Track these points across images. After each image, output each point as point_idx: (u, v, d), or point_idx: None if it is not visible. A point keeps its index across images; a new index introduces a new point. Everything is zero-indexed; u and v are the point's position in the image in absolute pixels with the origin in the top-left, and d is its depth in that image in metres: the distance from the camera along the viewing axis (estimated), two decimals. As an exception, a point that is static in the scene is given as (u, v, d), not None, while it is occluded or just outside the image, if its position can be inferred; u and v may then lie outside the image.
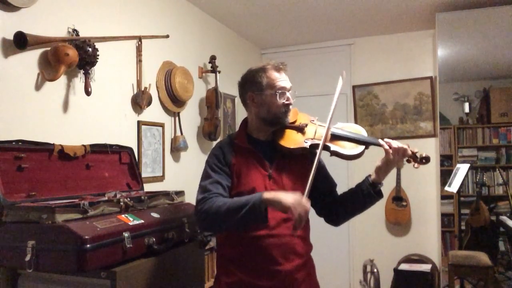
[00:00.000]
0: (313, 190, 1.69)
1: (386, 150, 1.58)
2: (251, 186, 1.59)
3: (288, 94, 1.65)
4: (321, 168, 1.75)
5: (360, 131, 1.69)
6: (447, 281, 3.23)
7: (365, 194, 1.62)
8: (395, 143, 1.58)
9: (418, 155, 1.60)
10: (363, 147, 1.63)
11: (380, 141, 1.62)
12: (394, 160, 1.57)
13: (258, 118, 1.68)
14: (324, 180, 1.75)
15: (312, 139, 1.65)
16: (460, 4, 3.30)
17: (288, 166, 1.66)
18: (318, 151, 1.58)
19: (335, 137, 1.65)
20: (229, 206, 1.48)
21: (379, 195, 1.64)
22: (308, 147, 1.63)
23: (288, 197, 1.42)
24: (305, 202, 1.42)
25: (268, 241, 1.57)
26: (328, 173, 1.79)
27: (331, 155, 1.65)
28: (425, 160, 1.60)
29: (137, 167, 2.36)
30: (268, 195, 1.46)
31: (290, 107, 1.67)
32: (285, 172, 1.64)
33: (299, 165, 1.66)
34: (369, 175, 1.64)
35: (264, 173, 1.63)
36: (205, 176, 1.63)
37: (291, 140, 1.66)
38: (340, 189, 1.77)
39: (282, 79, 1.65)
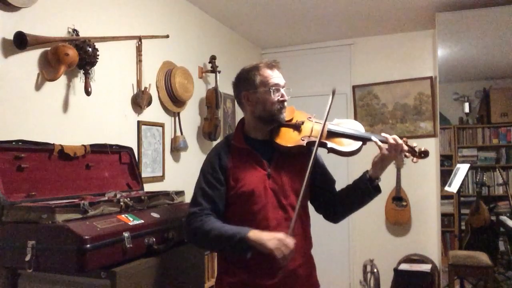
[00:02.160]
0: (311, 187, 1.70)
1: (379, 146, 1.58)
2: (250, 187, 1.59)
3: (282, 90, 1.65)
4: (319, 165, 1.75)
5: (357, 127, 1.68)
6: (447, 281, 3.23)
7: (363, 190, 1.62)
8: (390, 138, 1.57)
9: (416, 149, 1.59)
10: (360, 143, 1.63)
11: (373, 137, 1.61)
12: (390, 154, 1.56)
13: (254, 117, 1.68)
14: (322, 177, 1.75)
15: (308, 136, 1.65)
16: (460, 4, 3.30)
17: (287, 164, 1.66)
18: (315, 151, 1.58)
19: (332, 134, 1.65)
20: (216, 234, 1.53)
21: (377, 190, 1.63)
22: (305, 144, 1.63)
23: (272, 240, 1.45)
24: (289, 241, 1.45)
25: None
26: (327, 170, 1.79)
27: (328, 152, 1.65)
28: (424, 154, 1.59)
29: (137, 167, 2.36)
30: (253, 235, 1.48)
31: (285, 103, 1.67)
32: (283, 171, 1.64)
33: (297, 163, 1.66)
34: (367, 171, 1.64)
35: (263, 172, 1.63)
36: (199, 186, 1.65)
37: (288, 138, 1.66)
38: (340, 186, 1.77)
39: (275, 76, 1.65)
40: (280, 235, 1.46)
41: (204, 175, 1.65)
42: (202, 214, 1.57)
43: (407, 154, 1.60)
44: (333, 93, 1.64)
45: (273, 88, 1.63)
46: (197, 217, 1.56)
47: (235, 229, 1.52)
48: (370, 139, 1.62)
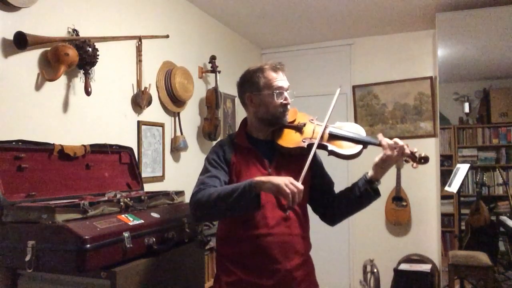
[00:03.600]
0: (309, 188, 1.70)
1: (382, 146, 1.58)
2: None
3: (285, 93, 1.66)
4: (318, 166, 1.76)
5: (359, 131, 1.69)
6: (447, 281, 3.23)
7: (361, 192, 1.61)
8: (392, 141, 1.57)
9: (417, 154, 1.59)
10: (360, 146, 1.63)
11: (378, 140, 1.61)
12: (391, 157, 1.55)
13: (257, 118, 1.68)
14: (321, 178, 1.75)
15: (310, 138, 1.65)
16: (460, 4, 3.30)
17: (287, 165, 1.66)
18: (314, 151, 1.58)
19: (333, 137, 1.65)
20: (220, 192, 1.48)
21: (376, 193, 1.62)
22: (306, 146, 1.63)
23: (280, 178, 1.42)
24: (298, 183, 1.41)
25: (268, 240, 1.57)
26: (325, 172, 1.79)
27: (329, 155, 1.65)
28: (424, 160, 1.59)
29: (137, 167, 2.36)
30: (258, 178, 1.45)
31: (288, 106, 1.68)
32: (284, 171, 1.64)
33: (298, 164, 1.65)
34: (367, 173, 1.64)
35: (264, 172, 1.63)
36: (204, 170, 1.64)
37: (289, 139, 1.67)
38: (340, 189, 1.76)
39: (279, 79, 1.65)
40: (289, 177, 1.43)
41: (209, 161, 1.64)
42: (206, 188, 1.54)
43: (407, 159, 1.60)
44: (339, 90, 1.66)
45: (277, 91, 1.63)
46: (199, 191, 1.53)
47: (237, 183, 1.50)
48: (371, 143, 1.62)
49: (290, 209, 1.44)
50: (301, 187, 1.40)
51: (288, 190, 1.37)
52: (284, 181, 1.39)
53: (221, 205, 1.47)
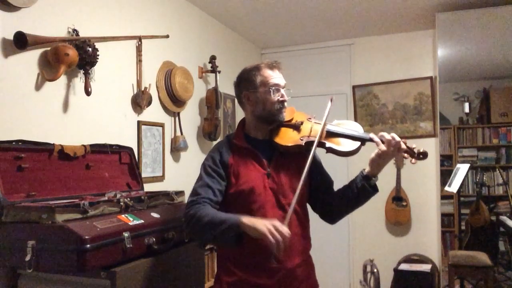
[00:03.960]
0: (309, 187, 1.70)
1: (376, 142, 1.58)
2: (250, 185, 1.60)
3: (282, 91, 1.67)
4: (317, 164, 1.76)
5: (357, 128, 1.69)
6: (447, 281, 3.23)
7: (359, 188, 1.61)
8: (388, 135, 1.57)
9: (415, 150, 1.59)
10: (358, 143, 1.63)
11: (371, 136, 1.61)
12: (388, 153, 1.56)
13: (254, 117, 1.69)
14: (320, 177, 1.75)
15: (308, 136, 1.66)
16: (460, 4, 3.30)
17: (286, 164, 1.66)
18: (314, 150, 1.59)
19: (331, 134, 1.66)
20: (209, 219, 1.49)
21: (374, 189, 1.62)
22: (303, 144, 1.64)
23: (265, 224, 1.39)
24: (284, 228, 1.38)
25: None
26: (324, 170, 1.79)
27: (326, 152, 1.66)
28: (423, 155, 1.59)
29: (137, 167, 2.36)
30: (246, 219, 1.44)
31: (285, 104, 1.68)
32: (283, 170, 1.65)
33: (296, 162, 1.66)
34: (364, 169, 1.64)
35: (263, 172, 1.63)
36: (199, 178, 1.65)
37: (287, 138, 1.67)
38: (339, 186, 1.76)
39: (275, 76, 1.66)
40: (275, 221, 1.41)
41: (205, 168, 1.65)
42: (200, 201, 1.55)
43: (405, 155, 1.60)
44: (331, 101, 1.67)
45: (273, 88, 1.64)
46: (194, 205, 1.55)
47: (228, 215, 1.50)
48: (368, 140, 1.63)
49: (276, 259, 1.41)
50: (286, 232, 1.37)
51: (273, 240, 1.35)
52: (270, 228, 1.37)
53: (207, 232, 1.50)
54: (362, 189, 1.61)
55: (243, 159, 1.65)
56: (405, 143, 1.58)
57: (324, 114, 1.67)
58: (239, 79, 1.73)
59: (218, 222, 1.47)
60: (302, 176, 1.53)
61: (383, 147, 1.56)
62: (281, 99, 1.66)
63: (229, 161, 1.65)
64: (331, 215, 1.74)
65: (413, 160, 1.60)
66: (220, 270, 1.70)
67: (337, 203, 1.70)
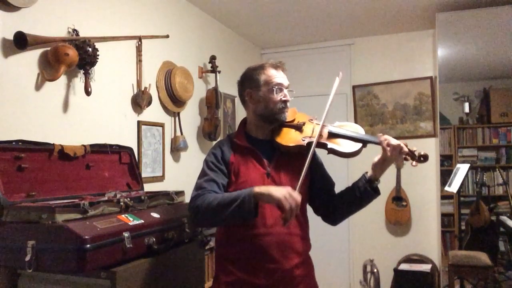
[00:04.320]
0: (310, 189, 1.71)
1: (383, 147, 1.58)
2: (249, 184, 1.59)
3: (285, 91, 1.67)
4: (318, 166, 1.76)
5: (358, 129, 1.70)
6: (447, 281, 3.23)
7: (361, 191, 1.62)
8: (393, 141, 1.58)
9: (416, 153, 1.59)
10: (360, 145, 1.63)
11: (377, 138, 1.62)
12: (391, 157, 1.56)
13: (256, 115, 1.69)
14: (321, 179, 1.75)
15: (309, 137, 1.66)
16: (460, 4, 3.30)
17: (287, 164, 1.66)
18: (314, 148, 1.59)
19: (332, 135, 1.66)
20: (219, 201, 1.49)
21: (376, 192, 1.63)
22: (305, 145, 1.64)
23: (278, 190, 1.42)
24: (296, 195, 1.41)
25: (267, 239, 1.57)
26: (326, 172, 1.79)
27: (328, 153, 1.66)
28: (423, 158, 1.59)
29: (137, 167, 2.36)
30: (258, 189, 1.46)
31: (288, 104, 1.69)
32: (283, 170, 1.65)
33: (297, 163, 1.66)
34: (366, 172, 1.65)
35: (263, 171, 1.63)
36: (202, 174, 1.64)
37: (289, 138, 1.67)
38: (340, 188, 1.77)
39: (279, 76, 1.67)
40: (288, 188, 1.43)
41: (207, 163, 1.65)
42: (205, 193, 1.55)
43: (406, 157, 1.60)
44: (339, 77, 1.69)
45: (276, 87, 1.65)
46: (199, 197, 1.55)
47: (239, 191, 1.50)
48: (370, 141, 1.63)
49: (288, 222, 1.43)
50: (299, 198, 1.41)
51: (287, 205, 1.38)
52: (284, 193, 1.40)
53: (220, 213, 1.49)
54: (364, 192, 1.61)
55: (244, 158, 1.66)
56: (406, 145, 1.59)
57: (325, 112, 1.67)
58: (243, 77, 1.74)
59: (230, 200, 1.47)
60: (302, 174, 1.52)
61: (387, 151, 1.56)
62: (283, 98, 1.66)
63: (230, 159, 1.65)
64: (333, 217, 1.75)
65: (414, 163, 1.60)
66: (218, 270, 1.70)
67: (339, 205, 1.70)
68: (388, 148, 1.56)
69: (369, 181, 1.61)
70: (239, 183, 1.61)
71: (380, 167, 1.60)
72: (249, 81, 1.69)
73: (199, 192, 1.57)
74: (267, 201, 1.44)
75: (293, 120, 1.72)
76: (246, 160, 1.65)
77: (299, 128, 1.70)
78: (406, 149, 1.57)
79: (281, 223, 1.44)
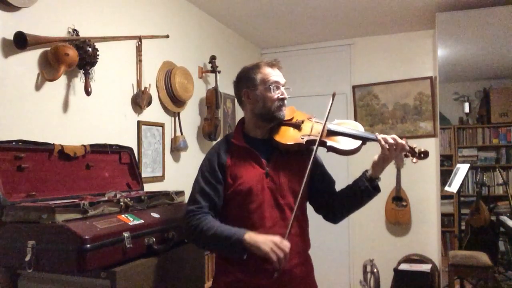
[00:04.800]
0: (310, 187, 1.71)
1: (382, 145, 1.58)
2: (248, 185, 1.60)
3: (282, 88, 1.67)
4: (319, 165, 1.76)
5: (357, 127, 1.69)
6: (447, 281, 3.23)
7: (362, 189, 1.62)
8: (391, 138, 1.58)
9: (416, 150, 1.59)
10: (359, 142, 1.63)
11: (376, 136, 1.62)
12: (391, 154, 1.56)
13: (254, 115, 1.69)
14: (321, 177, 1.75)
15: (308, 135, 1.66)
16: (460, 4, 3.30)
17: (285, 164, 1.66)
18: (314, 147, 1.59)
19: (332, 133, 1.66)
20: (213, 234, 1.53)
21: (377, 190, 1.63)
22: (304, 143, 1.64)
23: (266, 242, 1.45)
24: (285, 244, 1.45)
25: None
26: (326, 170, 1.79)
27: (327, 151, 1.66)
28: (424, 155, 1.59)
29: (137, 167, 2.36)
30: (248, 238, 1.48)
31: (285, 102, 1.68)
32: (282, 170, 1.65)
33: (296, 162, 1.66)
34: (366, 170, 1.64)
35: (261, 171, 1.63)
36: (196, 184, 1.65)
37: (288, 136, 1.67)
38: (340, 186, 1.77)
39: (275, 74, 1.67)
40: (276, 238, 1.46)
41: (202, 173, 1.66)
42: (200, 212, 1.57)
43: (407, 154, 1.60)
44: (333, 96, 1.66)
45: (273, 85, 1.65)
46: (195, 215, 1.57)
47: (232, 230, 1.52)
48: (370, 139, 1.63)
49: (277, 273, 1.47)
50: (287, 248, 1.45)
51: (274, 257, 1.43)
52: (271, 246, 1.44)
53: (211, 245, 1.61)
54: (365, 190, 1.62)
55: (242, 158, 1.65)
56: (406, 142, 1.59)
57: (325, 111, 1.67)
58: (239, 78, 1.73)
59: (222, 238, 1.51)
60: (304, 179, 1.54)
61: (386, 148, 1.56)
62: (281, 96, 1.66)
63: (226, 163, 1.65)
64: (334, 215, 1.75)
65: (415, 160, 1.60)
66: (218, 270, 1.70)
67: (339, 203, 1.70)
68: (387, 146, 1.56)
69: (369, 179, 1.62)
70: (238, 184, 1.61)
71: (380, 164, 1.60)
72: (246, 81, 1.69)
73: (193, 208, 1.59)
74: (255, 252, 1.47)
75: (292, 119, 1.72)
76: (244, 161, 1.65)
77: (298, 126, 1.69)
78: (406, 147, 1.57)
79: (274, 276, 1.47)
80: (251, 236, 1.48)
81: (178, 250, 1.86)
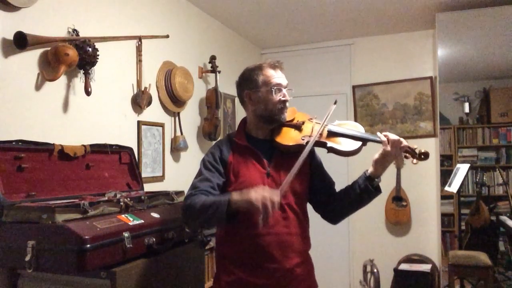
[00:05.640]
0: (310, 188, 1.71)
1: (383, 142, 1.58)
2: (249, 184, 1.59)
3: (284, 90, 1.67)
4: (318, 165, 1.76)
5: (358, 128, 1.69)
6: (447, 281, 3.23)
7: (362, 189, 1.61)
8: (393, 136, 1.57)
9: (417, 150, 1.59)
10: (360, 143, 1.63)
11: (377, 135, 1.61)
12: (391, 153, 1.56)
13: (256, 116, 1.69)
14: (321, 178, 1.75)
15: (309, 136, 1.66)
16: (460, 4, 3.30)
17: (286, 164, 1.66)
18: (310, 146, 1.59)
19: (332, 134, 1.66)
20: (203, 203, 1.51)
21: (377, 190, 1.62)
22: (305, 144, 1.64)
23: (252, 192, 1.42)
24: (274, 193, 1.41)
25: (267, 239, 1.57)
26: (325, 171, 1.79)
27: (328, 152, 1.66)
28: (424, 156, 1.59)
29: (137, 167, 2.36)
30: (235, 195, 1.47)
31: (287, 104, 1.69)
32: (283, 171, 1.65)
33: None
34: (367, 170, 1.64)
35: (263, 171, 1.63)
36: (198, 173, 1.66)
37: (289, 137, 1.68)
38: (340, 187, 1.76)
39: (277, 76, 1.67)
40: (264, 188, 1.44)
41: (204, 163, 1.66)
42: (197, 193, 1.56)
43: (407, 155, 1.60)
44: (335, 103, 1.67)
45: (275, 87, 1.65)
46: (191, 196, 1.56)
47: (218, 196, 1.53)
48: (370, 140, 1.63)
49: (265, 222, 1.43)
50: (277, 197, 1.40)
51: (259, 205, 1.38)
52: (256, 194, 1.40)
53: (200, 215, 1.52)
54: (365, 190, 1.61)
55: (243, 157, 1.66)
56: (406, 143, 1.59)
57: (326, 115, 1.68)
58: (241, 79, 1.73)
59: (209, 204, 1.49)
60: (293, 171, 1.52)
61: (387, 148, 1.56)
62: (283, 98, 1.66)
63: (228, 159, 1.65)
64: (333, 216, 1.74)
65: (415, 161, 1.60)
66: (219, 269, 1.70)
67: (339, 204, 1.70)
68: (388, 144, 1.56)
69: (369, 179, 1.61)
70: (239, 183, 1.62)
71: (380, 164, 1.59)
72: (248, 82, 1.69)
73: (192, 192, 1.58)
74: (242, 207, 1.45)
75: (293, 120, 1.72)
76: (246, 160, 1.65)
77: (298, 127, 1.70)
78: (406, 144, 1.57)
79: (259, 225, 1.43)
80: (237, 193, 1.48)
81: (178, 250, 1.86)
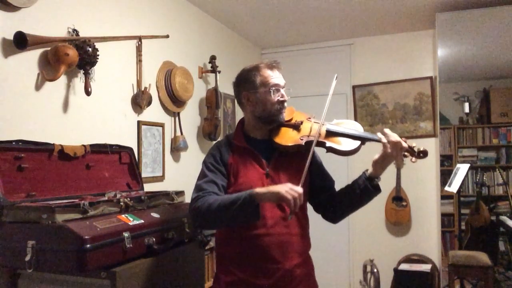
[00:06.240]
0: (310, 188, 1.71)
1: (383, 144, 1.57)
2: (248, 185, 1.59)
3: (282, 91, 1.67)
4: (318, 165, 1.76)
5: (357, 127, 1.69)
6: (447, 281, 3.23)
7: (361, 189, 1.61)
8: (392, 137, 1.57)
9: (415, 149, 1.59)
10: (358, 142, 1.63)
11: (377, 135, 1.61)
12: (391, 153, 1.55)
13: (254, 117, 1.69)
14: (320, 177, 1.75)
15: (307, 136, 1.66)
16: (460, 4, 3.30)
17: (285, 164, 1.66)
18: (313, 145, 1.59)
19: (331, 134, 1.66)
20: (220, 202, 1.49)
21: (377, 189, 1.62)
22: (303, 144, 1.64)
23: (277, 186, 1.44)
24: (298, 188, 1.43)
25: (267, 240, 1.57)
26: (325, 170, 1.79)
27: (327, 152, 1.66)
28: (423, 154, 1.59)
29: (137, 167, 2.36)
30: (259, 189, 1.47)
31: (285, 104, 1.68)
32: (282, 170, 1.65)
33: (296, 163, 1.66)
34: (366, 170, 1.64)
35: (262, 172, 1.63)
36: (201, 175, 1.65)
37: (287, 137, 1.67)
38: (340, 186, 1.76)
39: (275, 77, 1.67)
40: (287, 184, 1.45)
41: (206, 165, 1.66)
42: (205, 195, 1.55)
43: (405, 153, 1.60)
44: (336, 79, 1.69)
45: (273, 88, 1.64)
46: (199, 198, 1.55)
47: (237, 194, 1.50)
48: (369, 139, 1.63)
49: (292, 214, 1.46)
50: (300, 190, 1.42)
51: (289, 196, 1.39)
52: (283, 187, 1.42)
53: (221, 215, 1.50)
54: (365, 190, 1.61)
55: (242, 159, 1.65)
56: (405, 142, 1.59)
57: (329, 93, 1.69)
58: (238, 80, 1.73)
59: (230, 202, 1.47)
60: (303, 175, 1.53)
61: (388, 150, 1.55)
62: (281, 99, 1.66)
63: (228, 160, 1.65)
64: (333, 215, 1.74)
65: (413, 159, 1.60)
66: (219, 270, 1.70)
67: (339, 203, 1.70)
68: (388, 145, 1.56)
69: (369, 179, 1.61)
70: (239, 184, 1.61)
71: (380, 164, 1.59)
72: (245, 83, 1.69)
73: (199, 194, 1.57)
74: (268, 199, 1.45)
75: (291, 119, 1.72)
76: (245, 161, 1.65)
77: (297, 127, 1.69)
78: (405, 145, 1.57)
79: (286, 218, 1.46)
80: (260, 188, 1.48)
81: (178, 250, 1.86)
